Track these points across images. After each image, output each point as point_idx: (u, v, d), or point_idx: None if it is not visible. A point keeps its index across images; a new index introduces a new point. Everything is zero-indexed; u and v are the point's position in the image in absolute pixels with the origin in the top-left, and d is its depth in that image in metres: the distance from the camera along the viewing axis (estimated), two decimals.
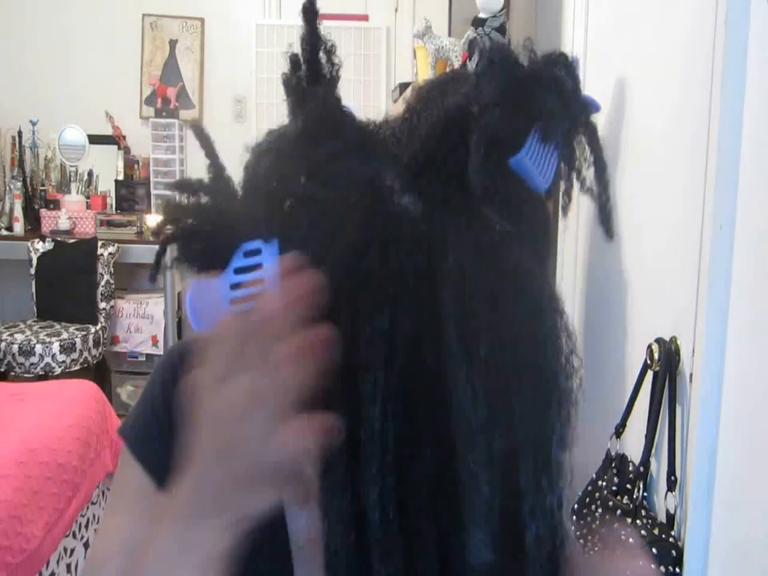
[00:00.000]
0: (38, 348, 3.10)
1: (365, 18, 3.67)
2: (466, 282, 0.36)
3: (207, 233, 0.41)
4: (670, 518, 0.97)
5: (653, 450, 1.05)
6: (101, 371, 3.49)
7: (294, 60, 0.41)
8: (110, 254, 3.44)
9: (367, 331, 0.36)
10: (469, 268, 0.36)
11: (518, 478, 0.37)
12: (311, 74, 0.40)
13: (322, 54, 0.40)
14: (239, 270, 0.39)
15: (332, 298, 0.36)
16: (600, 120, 1.66)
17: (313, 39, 0.40)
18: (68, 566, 1.88)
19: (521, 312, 0.37)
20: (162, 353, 3.57)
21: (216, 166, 0.43)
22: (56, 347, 3.12)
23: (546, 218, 0.45)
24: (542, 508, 0.38)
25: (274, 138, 0.41)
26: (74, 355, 3.19)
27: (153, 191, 3.83)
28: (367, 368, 0.35)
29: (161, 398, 0.58)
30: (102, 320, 3.43)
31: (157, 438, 0.57)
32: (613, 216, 0.44)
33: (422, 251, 0.36)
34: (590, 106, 0.43)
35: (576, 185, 0.44)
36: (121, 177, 3.90)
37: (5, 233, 3.63)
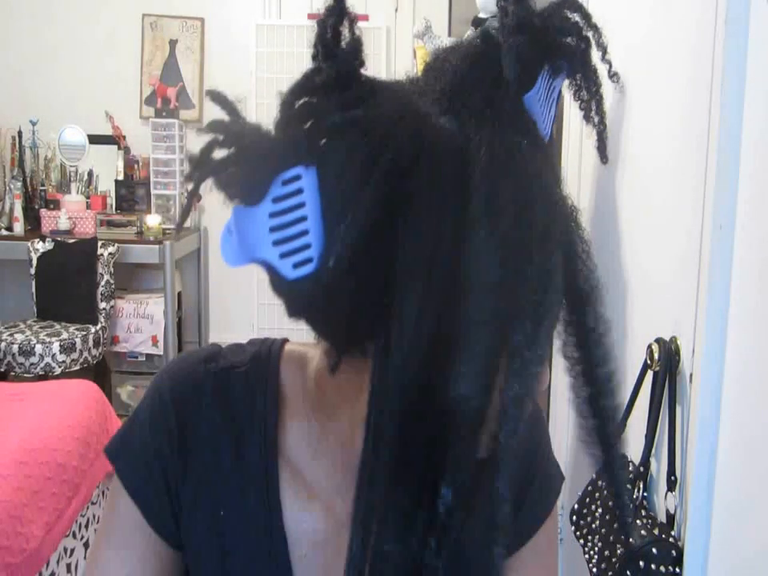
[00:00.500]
0: (38, 348, 3.10)
1: (365, 18, 3.67)
2: (496, 186, 0.39)
3: (247, 161, 0.41)
4: (670, 517, 0.97)
5: (653, 450, 1.05)
6: (101, 371, 3.49)
7: (321, 25, 0.42)
8: (109, 253, 3.44)
9: (413, 234, 0.39)
10: (498, 172, 0.39)
11: (512, 338, 0.39)
12: (335, 39, 0.41)
13: (345, 23, 0.42)
14: (278, 199, 0.40)
15: (379, 212, 0.38)
16: None
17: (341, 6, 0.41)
18: (68, 566, 1.88)
19: (540, 209, 0.40)
20: (161, 353, 3.58)
21: (241, 118, 0.43)
22: (56, 347, 3.12)
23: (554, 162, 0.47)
24: (526, 368, 0.40)
25: (304, 82, 0.42)
26: (74, 355, 3.19)
27: (153, 191, 3.83)
28: (411, 269, 0.38)
29: (161, 431, 0.56)
30: (102, 320, 3.43)
31: (148, 468, 0.56)
32: (607, 143, 0.47)
33: (460, 161, 0.39)
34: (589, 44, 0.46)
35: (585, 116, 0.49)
36: (121, 177, 3.90)
37: (5, 233, 3.63)
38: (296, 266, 0.39)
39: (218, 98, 0.43)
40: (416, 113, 0.41)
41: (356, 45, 0.41)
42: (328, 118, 0.40)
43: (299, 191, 0.39)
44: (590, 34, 0.46)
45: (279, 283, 0.41)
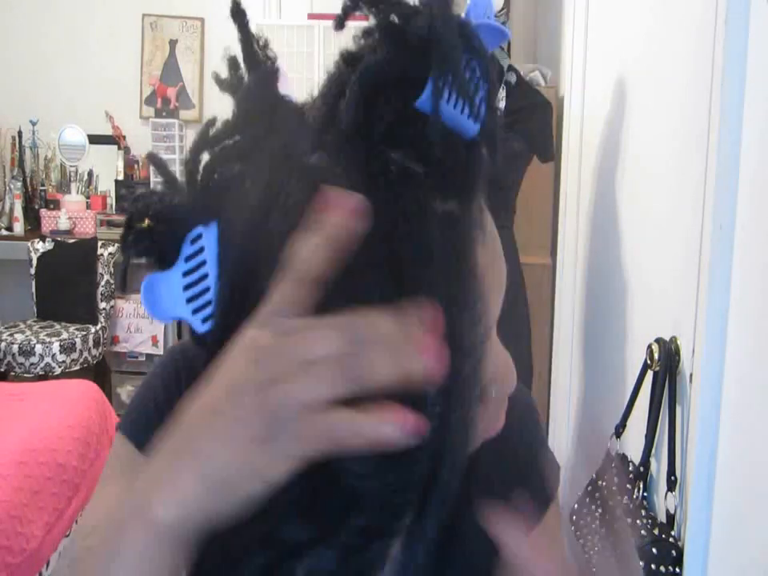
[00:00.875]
0: (38, 348, 3.10)
1: (365, 18, 3.67)
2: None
3: (160, 230, 0.43)
4: (670, 517, 0.97)
5: (653, 450, 1.05)
6: (101, 371, 3.49)
7: (231, 61, 0.44)
8: (109, 254, 3.44)
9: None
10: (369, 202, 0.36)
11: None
12: (249, 67, 0.43)
13: (256, 49, 0.43)
14: (188, 258, 0.42)
15: (259, 264, 0.38)
16: (600, 120, 1.66)
17: (245, 37, 0.42)
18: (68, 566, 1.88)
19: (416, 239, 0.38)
20: (162, 353, 3.57)
21: (166, 174, 0.45)
22: (56, 347, 3.12)
23: (476, 160, 0.43)
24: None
25: (200, 137, 0.43)
26: (74, 355, 3.19)
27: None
28: None
29: (162, 390, 0.59)
30: (102, 320, 3.43)
31: (153, 423, 0.56)
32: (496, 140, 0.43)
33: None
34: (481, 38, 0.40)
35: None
36: (121, 177, 3.90)
37: (5, 233, 3.63)
38: (204, 320, 0.42)
39: (155, 161, 0.46)
40: (290, 156, 0.40)
41: (264, 75, 0.42)
42: (221, 173, 0.41)
43: (202, 249, 0.41)
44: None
45: (196, 336, 0.43)
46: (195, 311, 0.42)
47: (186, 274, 0.42)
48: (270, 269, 0.37)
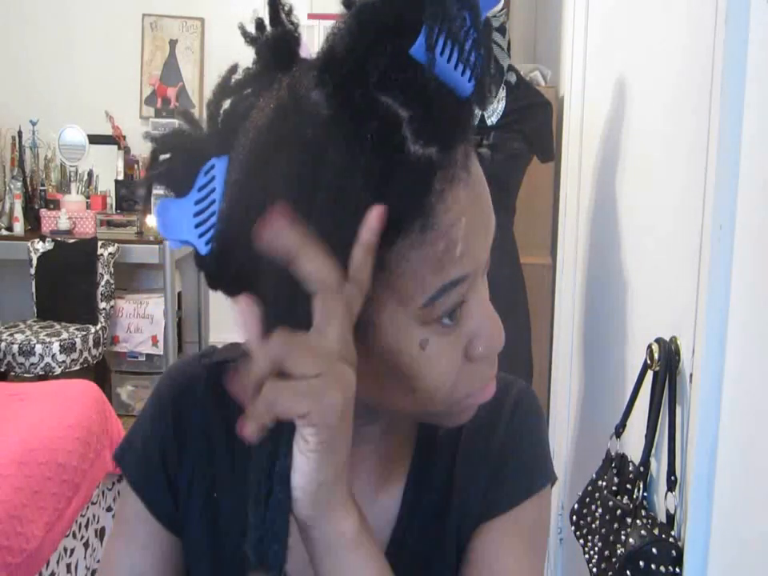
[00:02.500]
0: (38, 348, 3.10)
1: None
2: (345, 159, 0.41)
3: (180, 160, 0.49)
4: (670, 517, 0.97)
5: (653, 450, 1.05)
6: (101, 371, 3.49)
7: (258, 21, 0.50)
8: (109, 254, 3.44)
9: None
10: (347, 145, 0.40)
11: None
12: (273, 25, 0.48)
13: (282, 13, 0.48)
14: (200, 188, 0.47)
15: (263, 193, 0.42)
16: (600, 120, 1.66)
17: (273, 1, 0.48)
18: (68, 566, 1.88)
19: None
20: (161, 353, 3.58)
21: (190, 119, 0.52)
22: (56, 347, 3.12)
23: (464, 113, 0.45)
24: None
25: (228, 77, 0.50)
26: (74, 355, 3.19)
27: (153, 191, 3.83)
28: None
29: (160, 421, 0.60)
30: (102, 320, 3.43)
31: (148, 459, 0.60)
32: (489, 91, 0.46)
33: (319, 135, 0.41)
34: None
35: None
36: (121, 177, 3.90)
37: (5, 233, 3.63)
38: (207, 242, 0.46)
39: (183, 114, 0.53)
40: (293, 94, 0.44)
41: (287, 34, 0.47)
42: (239, 110, 0.47)
43: (213, 179, 0.46)
44: None
45: (199, 259, 0.48)
46: (201, 235, 0.47)
47: (197, 202, 0.47)
48: (266, 196, 0.41)
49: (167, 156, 0.51)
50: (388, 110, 0.41)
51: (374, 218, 0.40)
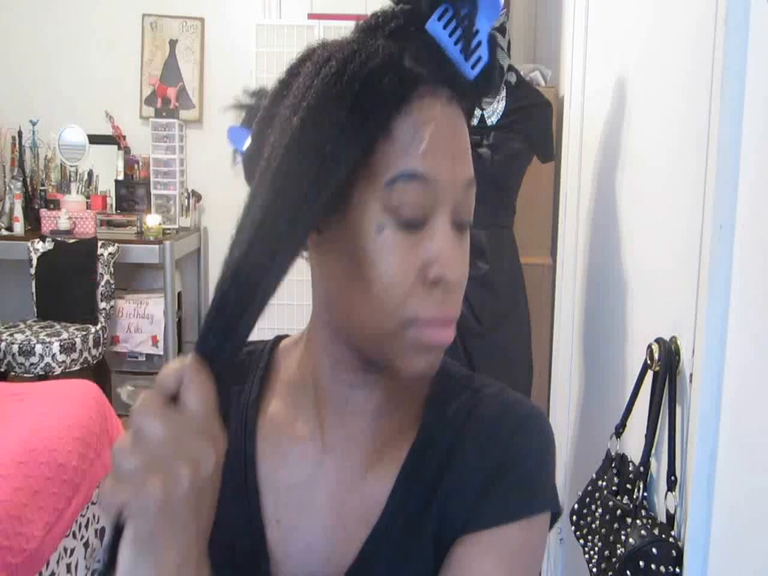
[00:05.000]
0: (38, 348, 3.10)
1: (365, 18, 3.67)
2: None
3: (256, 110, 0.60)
4: (670, 517, 0.97)
5: (653, 450, 1.05)
6: (101, 371, 3.49)
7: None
8: (109, 253, 3.44)
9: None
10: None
11: None
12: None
13: None
14: None
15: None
16: (600, 120, 1.66)
17: None
18: (68, 566, 1.88)
19: None
20: (161, 353, 3.58)
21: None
22: (56, 347, 3.12)
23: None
24: None
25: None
26: (74, 355, 3.19)
27: (153, 191, 3.83)
28: None
29: None
30: (102, 320, 3.43)
31: None
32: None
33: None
34: None
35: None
36: (121, 177, 3.90)
37: (5, 233, 3.63)
38: None
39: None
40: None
41: None
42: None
43: None
44: None
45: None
46: None
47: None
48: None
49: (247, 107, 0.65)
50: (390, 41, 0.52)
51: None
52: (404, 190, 0.51)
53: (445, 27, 0.52)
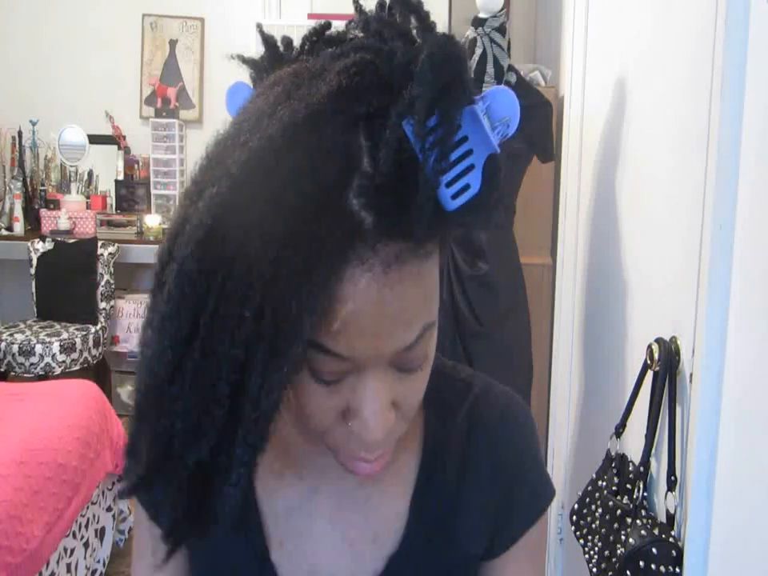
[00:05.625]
0: (38, 348, 3.10)
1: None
2: None
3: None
4: (670, 517, 0.97)
5: (653, 450, 1.05)
6: (101, 371, 3.49)
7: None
8: (109, 253, 3.44)
9: None
10: None
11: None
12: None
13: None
14: None
15: None
16: (600, 120, 1.66)
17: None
18: (68, 566, 1.88)
19: None
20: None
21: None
22: (56, 347, 3.12)
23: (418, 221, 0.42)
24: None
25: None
26: (74, 355, 3.19)
27: (153, 191, 3.83)
28: None
29: None
30: (102, 320, 3.43)
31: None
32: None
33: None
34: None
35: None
36: (121, 177, 3.90)
37: (5, 233, 3.63)
38: None
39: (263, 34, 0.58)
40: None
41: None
42: None
43: None
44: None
45: None
46: None
47: None
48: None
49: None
50: (354, 155, 0.39)
51: None
52: (317, 356, 0.43)
53: (425, 135, 0.38)
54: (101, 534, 2.14)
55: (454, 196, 0.40)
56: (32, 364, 3.11)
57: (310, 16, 3.55)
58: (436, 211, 0.40)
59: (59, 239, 3.44)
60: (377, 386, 0.45)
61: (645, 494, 1.05)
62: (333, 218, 0.38)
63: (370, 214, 0.39)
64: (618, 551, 1.00)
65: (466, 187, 0.40)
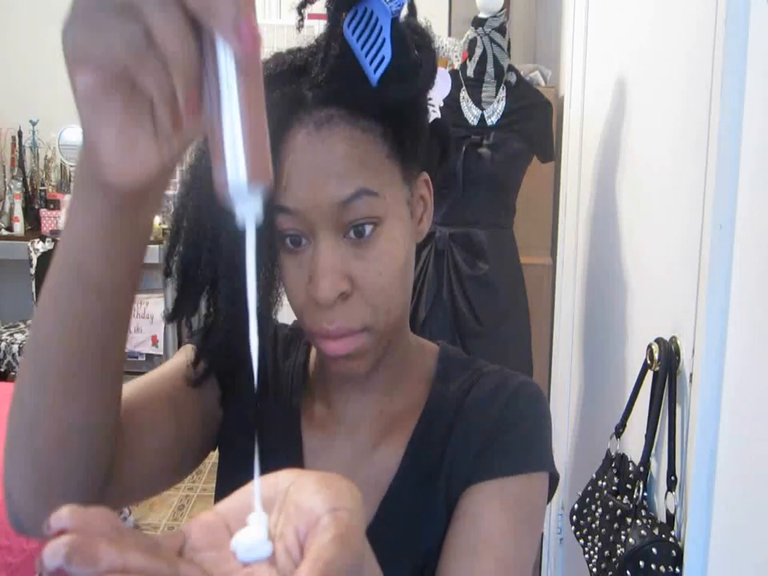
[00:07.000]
0: None
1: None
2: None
3: None
4: (670, 517, 0.97)
5: (653, 450, 1.05)
6: None
7: None
8: None
9: None
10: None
11: None
12: None
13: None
14: None
15: None
16: (600, 120, 1.66)
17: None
18: None
19: None
20: (161, 353, 3.57)
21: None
22: None
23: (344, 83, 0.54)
24: None
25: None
26: None
27: None
28: None
29: None
30: None
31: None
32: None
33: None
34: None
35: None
36: None
37: (5, 233, 3.63)
38: None
39: None
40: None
41: None
42: None
43: None
44: None
45: None
46: None
47: None
48: None
49: None
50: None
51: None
52: (279, 219, 0.54)
53: (354, 31, 0.51)
54: None
55: (375, 69, 0.51)
56: None
57: (310, 16, 3.54)
58: (364, 85, 0.53)
59: (59, 239, 3.44)
60: (326, 251, 0.54)
61: (645, 494, 1.06)
62: (283, 98, 0.52)
63: (311, 90, 0.53)
64: (618, 551, 1.00)
65: (382, 59, 0.51)
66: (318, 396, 0.69)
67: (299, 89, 0.53)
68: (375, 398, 0.66)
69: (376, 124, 0.55)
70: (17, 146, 3.81)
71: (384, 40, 0.50)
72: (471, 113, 2.01)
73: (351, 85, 0.52)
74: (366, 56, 0.51)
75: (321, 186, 0.53)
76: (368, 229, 0.55)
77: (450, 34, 3.27)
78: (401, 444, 0.64)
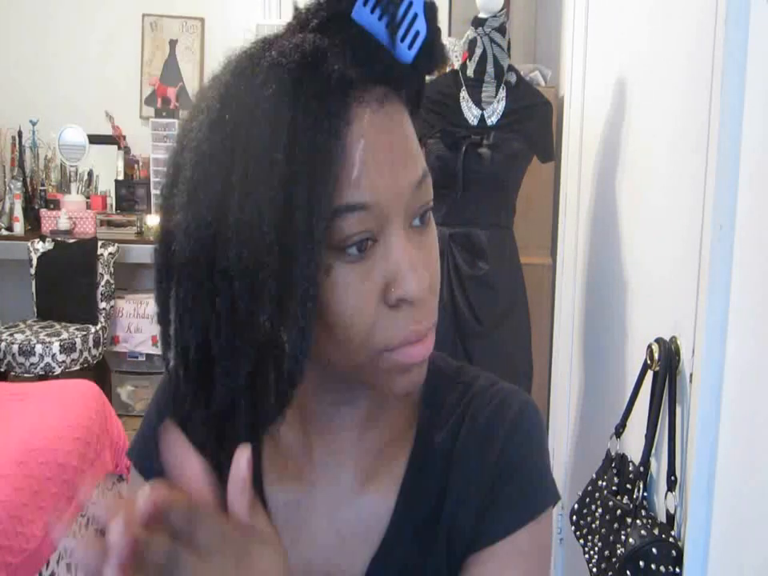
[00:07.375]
0: (38, 348, 3.10)
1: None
2: None
3: None
4: (670, 517, 0.97)
5: (653, 450, 1.05)
6: (101, 371, 3.49)
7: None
8: (109, 253, 3.44)
9: None
10: None
11: None
12: None
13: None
14: None
15: None
16: (600, 120, 1.66)
17: None
18: (68, 566, 1.88)
19: None
20: (161, 353, 3.57)
21: None
22: (56, 347, 3.12)
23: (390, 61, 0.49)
24: None
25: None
26: (74, 355, 3.19)
27: (153, 191, 3.83)
28: None
29: (156, 416, 0.64)
30: (102, 320, 3.42)
31: (151, 437, 0.61)
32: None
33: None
34: None
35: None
36: (121, 177, 3.90)
37: (5, 233, 3.63)
38: None
39: None
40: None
41: None
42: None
43: None
44: None
45: None
46: None
47: None
48: None
49: None
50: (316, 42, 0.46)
51: (242, 458, 0.41)
52: (344, 223, 0.45)
53: (373, 11, 0.46)
54: (101, 534, 2.13)
55: (410, 46, 0.47)
56: (32, 364, 3.11)
57: None
58: (395, 62, 0.48)
59: (59, 239, 3.44)
60: (404, 243, 0.48)
61: (645, 493, 1.06)
62: (325, 79, 0.44)
63: (354, 70, 0.46)
64: (618, 551, 1.00)
65: (417, 35, 0.47)
66: (285, 434, 0.59)
67: (341, 68, 0.46)
68: (357, 431, 0.58)
69: (406, 100, 0.51)
70: (17, 145, 3.81)
71: (416, 15, 0.47)
72: (471, 113, 2.01)
73: (391, 61, 0.47)
74: (396, 33, 0.46)
75: (401, 168, 0.47)
76: (428, 214, 0.50)
77: (450, 34, 3.27)
78: (391, 488, 0.58)
